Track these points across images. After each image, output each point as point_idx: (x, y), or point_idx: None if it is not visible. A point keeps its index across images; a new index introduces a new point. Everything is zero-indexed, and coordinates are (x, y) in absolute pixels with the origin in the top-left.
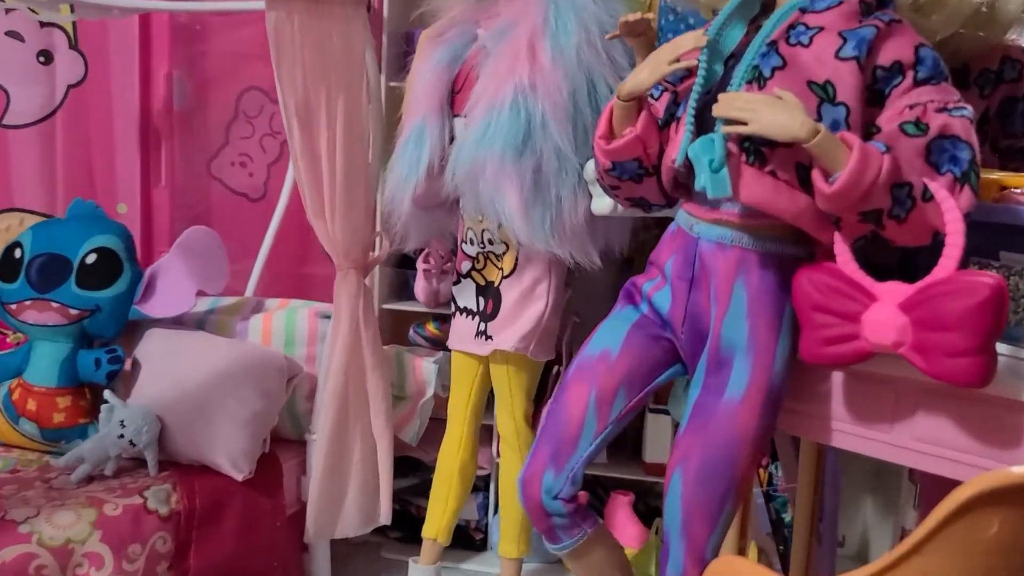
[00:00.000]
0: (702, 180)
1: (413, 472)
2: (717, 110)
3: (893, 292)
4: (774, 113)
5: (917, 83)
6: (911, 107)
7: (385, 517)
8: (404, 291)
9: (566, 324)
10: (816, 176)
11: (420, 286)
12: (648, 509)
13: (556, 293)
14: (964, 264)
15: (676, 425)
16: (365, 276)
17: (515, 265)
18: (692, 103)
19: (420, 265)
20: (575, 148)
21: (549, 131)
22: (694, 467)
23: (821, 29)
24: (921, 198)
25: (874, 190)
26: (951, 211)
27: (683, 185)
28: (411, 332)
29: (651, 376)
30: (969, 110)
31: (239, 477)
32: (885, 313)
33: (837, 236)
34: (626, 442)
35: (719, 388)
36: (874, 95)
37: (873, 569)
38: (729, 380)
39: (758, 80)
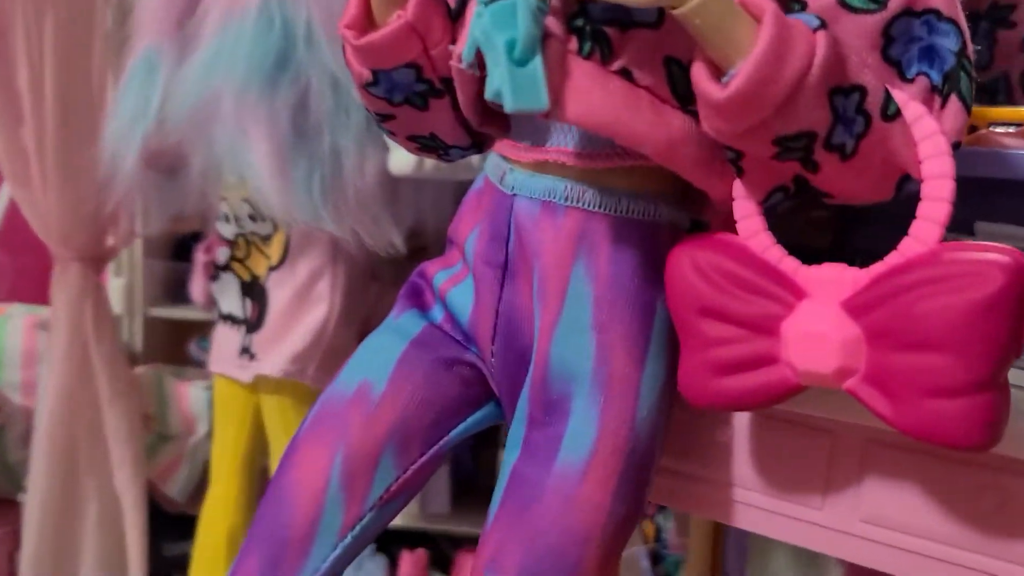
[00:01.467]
0: (496, 80)
1: (190, 534)
2: None
3: (832, 283)
4: None
5: None
6: None
7: None
8: (181, 292)
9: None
10: (699, 73)
11: (199, 285)
12: None
13: (345, 292)
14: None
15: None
16: (99, 270)
17: (285, 252)
18: None
19: (199, 256)
20: None
21: (319, 50)
22: None
23: None
24: (881, 115)
25: (800, 95)
26: (931, 137)
27: (497, 114)
28: (192, 348)
29: (443, 425)
30: None
31: None
32: (821, 319)
33: (739, 186)
34: (475, 485)
35: (548, 449)
36: None
37: None
38: (564, 435)
39: None
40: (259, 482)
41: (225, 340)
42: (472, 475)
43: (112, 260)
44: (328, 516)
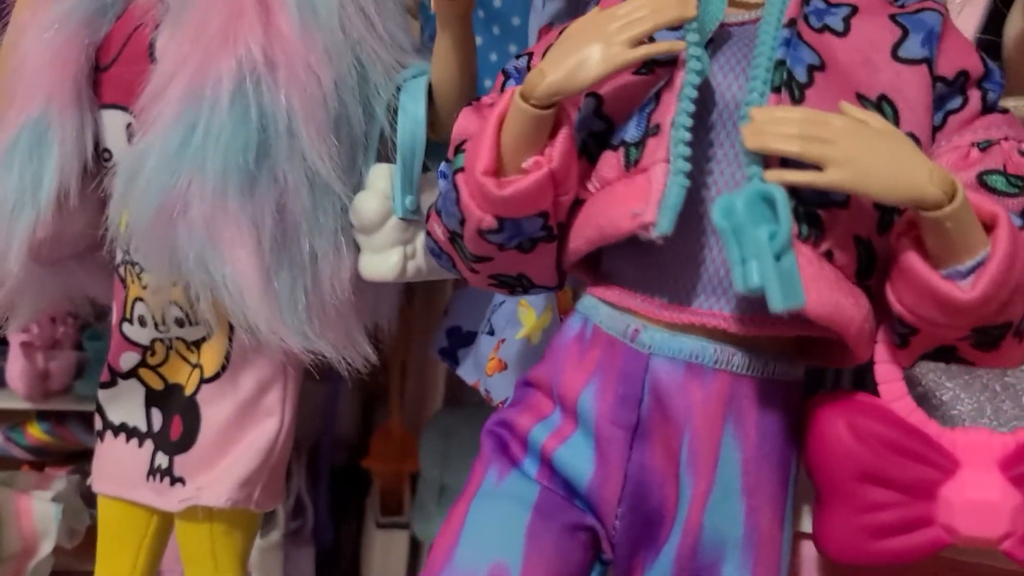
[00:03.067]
0: (755, 275)
1: None
2: (751, 137)
3: (980, 447)
4: (876, 151)
5: (986, 108)
6: (981, 147)
7: None
8: None
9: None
10: (933, 275)
11: (17, 369)
12: None
13: (295, 402)
14: None
15: (414, 543)
16: None
17: (225, 362)
18: (682, 119)
19: (14, 338)
20: (341, 170)
21: (299, 143)
22: None
23: (854, 9)
24: None
25: (1018, 293)
26: None
27: (589, 260)
28: (1, 440)
29: None
30: None
31: None
32: (988, 487)
33: (883, 352)
34: (338, 562)
35: None
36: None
37: None
38: None
39: (789, 87)
40: None
41: (122, 457)
42: (334, 549)
43: None
44: None
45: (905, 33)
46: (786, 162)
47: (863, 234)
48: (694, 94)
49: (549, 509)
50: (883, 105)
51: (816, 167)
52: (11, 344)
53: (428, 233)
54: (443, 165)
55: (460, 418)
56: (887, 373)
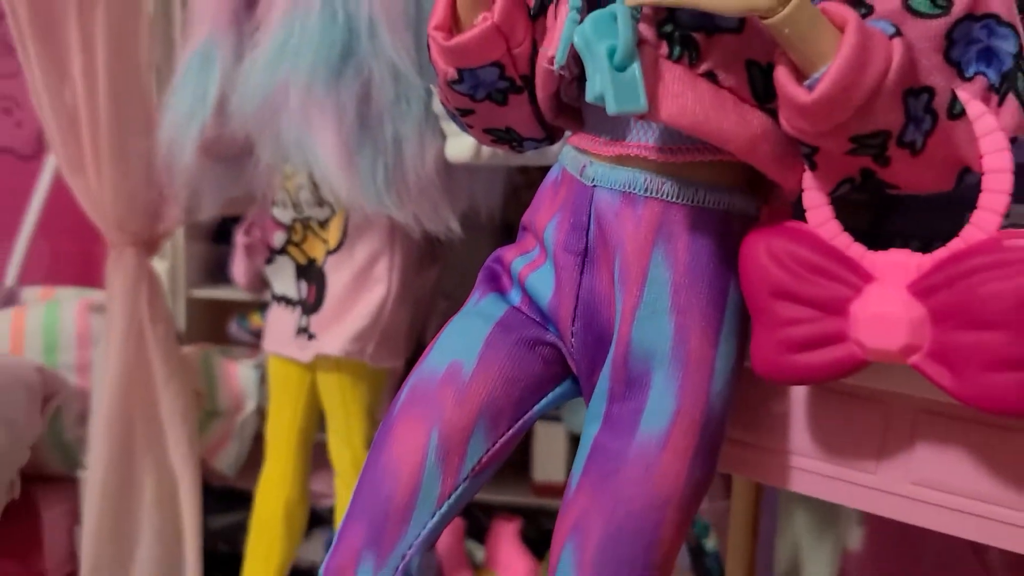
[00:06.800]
0: (597, 85)
1: (239, 506)
2: None
3: (898, 267)
4: None
5: None
6: None
7: (193, 572)
8: (221, 274)
9: (428, 314)
10: (783, 76)
11: (240, 266)
12: (539, 535)
13: (402, 273)
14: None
15: (574, 437)
16: (151, 255)
17: (343, 236)
18: None
19: (239, 239)
20: (420, 67)
21: (380, 42)
22: (594, 544)
23: None
24: (947, 114)
25: (878, 98)
26: (992, 135)
27: (571, 109)
28: (233, 327)
29: (527, 401)
30: None
31: None
32: (889, 301)
33: (809, 178)
34: (511, 458)
35: (630, 421)
36: None
37: None
38: (644, 408)
39: None
40: (313, 456)
41: (280, 321)
42: None
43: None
44: (426, 488)
45: None
46: None
47: (758, 59)
48: None
49: (510, 324)
50: None
51: None
52: (236, 246)
53: (441, 102)
54: None
55: None
56: (813, 199)
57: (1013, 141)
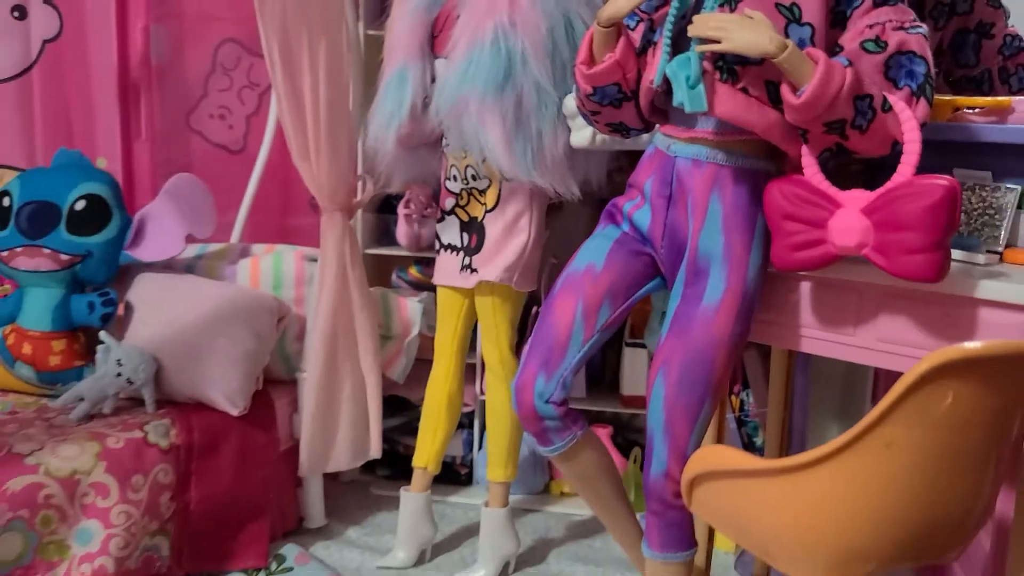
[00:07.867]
0: (679, 96)
1: (400, 411)
2: (692, 30)
3: (856, 198)
4: (744, 31)
5: (876, 4)
6: (871, 26)
7: (376, 451)
8: (385, 237)
9: (544, 263)
10: (785, 90)
11: (402, 230)
12: (626, 441)
13: (538, 225)
14: None
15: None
16: (350, 218)
17: (498, 199)
18: (668, 26)
19: (401, 210)
20: (554, 84)
21: (529, 67)
22: (676, 370)
23: None
24: (881, 109)
25: (838, 101)
26: (908, 120)
27: (660, 110)
28: (394, 276)
29: (633, 288)
30: (924, 28)
31: (234, 412)
32: (849, 218)
33: (804, 148)
34: (604, 376)
35: (697, 297)
36: (836, 17)
37: (844, 439)
38: (706, 289)
39: (729, 3)
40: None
41: (448, 262)
42: (600, 372)
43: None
44: (575, 335)
45: None
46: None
47: (773, 79)
48: (675, 13)
49: (623, 241)
50: (793, 7)
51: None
52: (398, 215)
53: (577, 106)
54: None
55: None
56: (807, 160)
57: (924, 125)
